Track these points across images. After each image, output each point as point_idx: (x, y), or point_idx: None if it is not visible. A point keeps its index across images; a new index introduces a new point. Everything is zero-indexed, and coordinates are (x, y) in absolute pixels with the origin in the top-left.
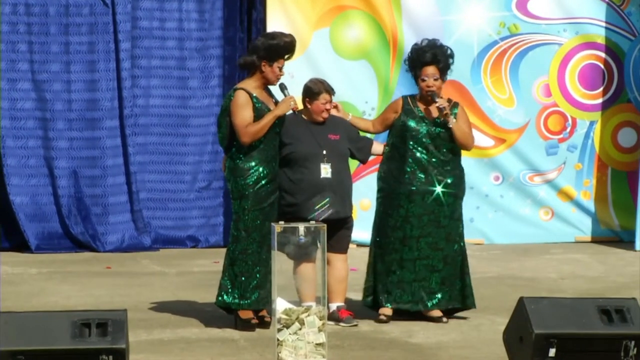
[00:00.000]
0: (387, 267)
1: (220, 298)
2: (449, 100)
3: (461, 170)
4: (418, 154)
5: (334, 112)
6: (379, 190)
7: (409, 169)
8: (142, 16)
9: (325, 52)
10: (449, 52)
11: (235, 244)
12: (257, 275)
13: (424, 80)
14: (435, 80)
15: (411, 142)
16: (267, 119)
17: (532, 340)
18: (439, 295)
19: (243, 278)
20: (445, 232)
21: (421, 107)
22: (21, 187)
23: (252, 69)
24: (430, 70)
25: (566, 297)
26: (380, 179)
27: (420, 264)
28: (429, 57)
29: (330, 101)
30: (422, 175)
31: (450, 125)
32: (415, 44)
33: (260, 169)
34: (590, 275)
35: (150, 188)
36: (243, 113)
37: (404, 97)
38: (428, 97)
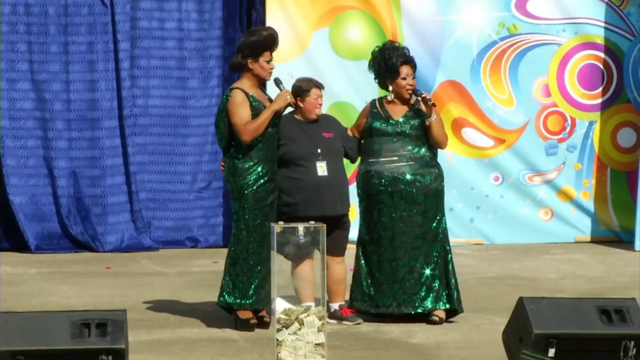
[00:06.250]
0: (369, 269)
1: (221, 298)
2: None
3: (434, 167)
4: (384, 154)
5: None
6: (357, 194)
7: (375, 170)
8: (141, 16)
9: (325, 53)
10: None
11: (236, 244)
12: (259, 275)
13: (404, 79)
14: (413, 79)
15: (378, 143)
16: (265, 115)
17: (532, 340)
18: (422, 296)
19: (244, 278)
20: (421, 231)
21: (388, 108)
22: (20, 187)
23: (242, 69)
24: (408, 69)
25: (566, 297)
26: (357, 181)
27: (397, 265)
28: (406, 56)
29: (321, 96)
30: (389, 175)
31: (432, 119)
32: (380, 49)
33: (259, 168)
34: (590, 275)
35: (149, 188)
36: (241, 112)
37: (372, 101)
38: (408, 95)
